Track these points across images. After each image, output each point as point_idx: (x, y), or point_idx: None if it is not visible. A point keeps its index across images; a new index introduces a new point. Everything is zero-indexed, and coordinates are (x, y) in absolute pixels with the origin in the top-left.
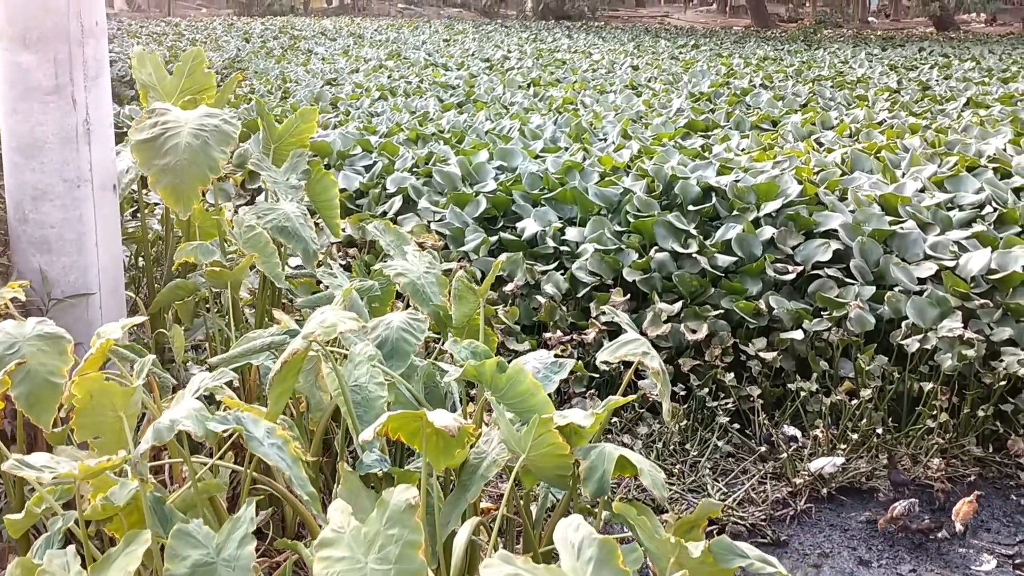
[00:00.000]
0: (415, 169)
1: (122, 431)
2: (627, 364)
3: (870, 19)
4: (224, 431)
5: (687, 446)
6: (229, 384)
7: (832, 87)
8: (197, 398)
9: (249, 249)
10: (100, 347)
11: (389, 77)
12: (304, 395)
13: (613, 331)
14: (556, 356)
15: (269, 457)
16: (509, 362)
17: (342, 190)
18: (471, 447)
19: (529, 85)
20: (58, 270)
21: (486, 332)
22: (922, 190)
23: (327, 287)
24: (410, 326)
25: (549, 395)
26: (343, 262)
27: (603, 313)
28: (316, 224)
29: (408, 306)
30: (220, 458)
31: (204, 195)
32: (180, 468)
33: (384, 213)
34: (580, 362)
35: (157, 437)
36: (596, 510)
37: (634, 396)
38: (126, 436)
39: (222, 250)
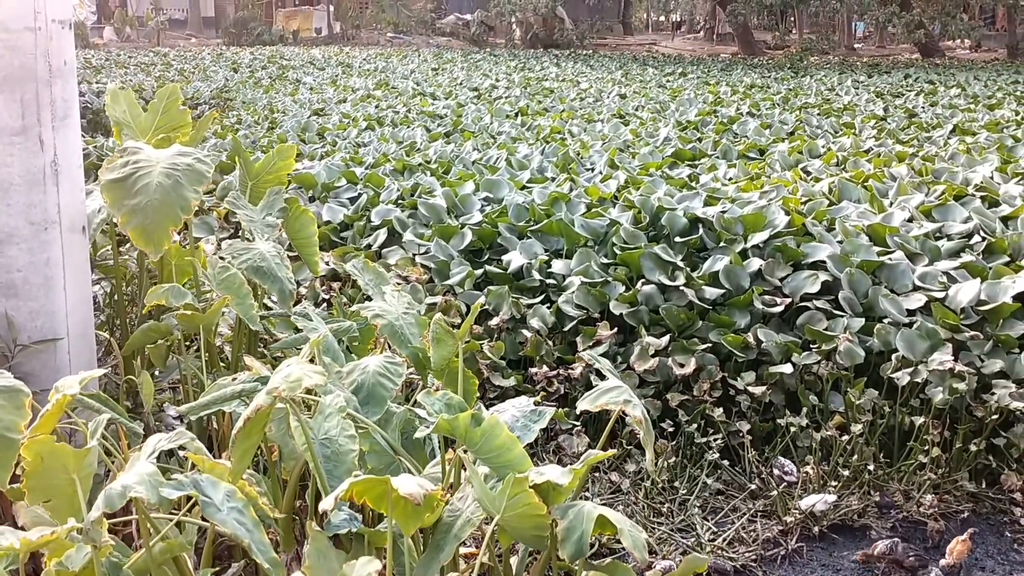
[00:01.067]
0: (400, 201)
1: (75, 495)
2: None
3: (856, 46)
4: (180, 496)
5: (676, 483)
6: (203, 429)
7: (819, 115)
8: (152, 460)
9: (223, 291)
10: (56, 404)
11: (377, 107)
12: (276, 444)
13: None
14: (536, 403)
15: (226, 524)
16: (496, 400)
17: (326, 222)
18: (446, 504)
19: (517, 114)
20: (25, 315)
21: (466, 375)
22: (910, 219)
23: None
24: (387, 370)
25: (529, 445)
26: (326, 296)
27: (581, 358)
28: (294, 259)
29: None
30: (188, 511)
31: (187, 226)
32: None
33: (369, 246)
34: (562, 410)
35: (108, 503)
36: (576, 567)
37: (614, 451)
38: (79, 500)
39: (196, 291)
